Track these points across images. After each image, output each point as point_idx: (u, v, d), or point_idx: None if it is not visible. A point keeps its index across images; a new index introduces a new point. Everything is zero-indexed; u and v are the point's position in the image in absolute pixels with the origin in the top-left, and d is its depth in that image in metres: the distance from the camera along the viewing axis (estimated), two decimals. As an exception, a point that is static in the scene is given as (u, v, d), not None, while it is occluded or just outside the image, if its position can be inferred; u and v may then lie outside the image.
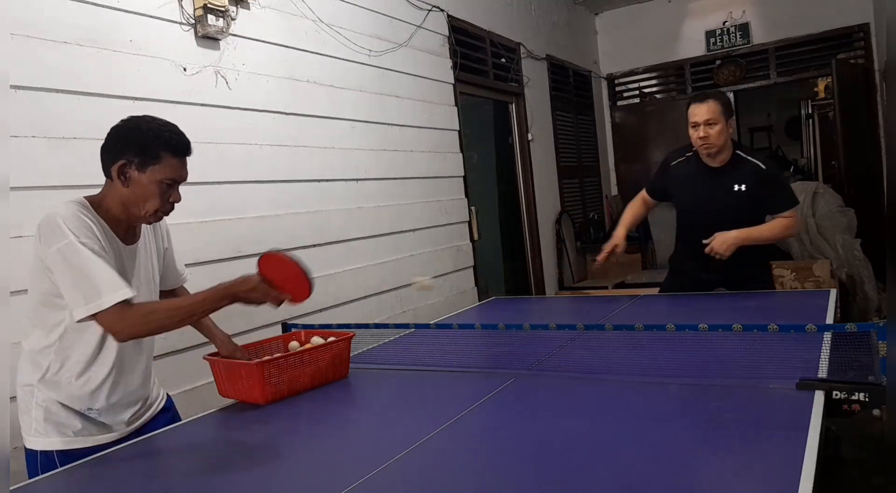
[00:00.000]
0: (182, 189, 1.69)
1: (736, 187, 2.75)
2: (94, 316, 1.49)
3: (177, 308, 1.60)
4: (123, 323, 1.50)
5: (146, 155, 1.58)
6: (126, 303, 1.50)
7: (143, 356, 1.76)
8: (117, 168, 1.58)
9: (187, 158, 1.67)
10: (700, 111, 2.74)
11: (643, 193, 3.14)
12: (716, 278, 2.94)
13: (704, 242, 2.69)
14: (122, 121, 1.64)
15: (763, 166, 2.75)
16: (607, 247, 2.92)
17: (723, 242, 2.65)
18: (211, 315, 1.98)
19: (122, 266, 1.63)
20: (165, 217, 1.72)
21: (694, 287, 2.95)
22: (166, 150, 1.60)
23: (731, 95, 6.64)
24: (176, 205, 1.69)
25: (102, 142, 1.63)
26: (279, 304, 1.65)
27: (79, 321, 1.51)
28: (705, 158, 2.81)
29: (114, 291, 1.48)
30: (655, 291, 3.27)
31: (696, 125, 2.75)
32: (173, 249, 1.91)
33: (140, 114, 1.68)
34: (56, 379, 1.60)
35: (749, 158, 2.79)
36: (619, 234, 2.96)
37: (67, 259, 1.48)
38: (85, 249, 1.49)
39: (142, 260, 1.72)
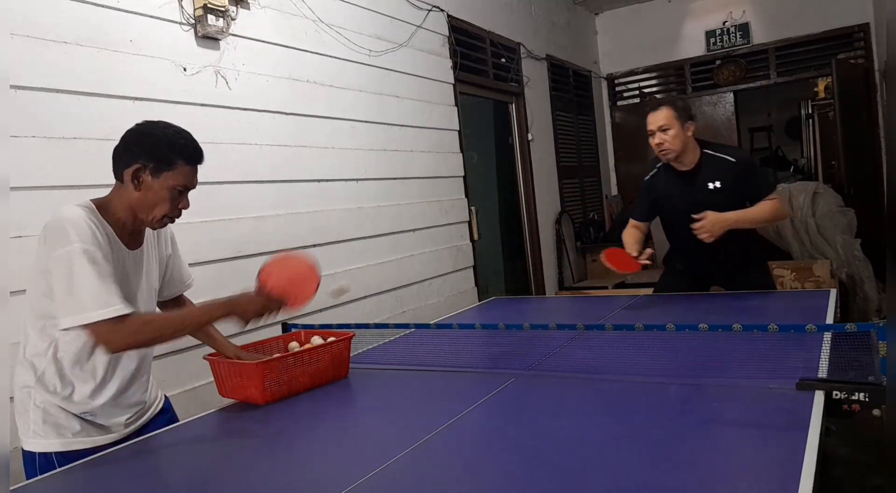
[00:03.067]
0: (183, 189, 1.69)
1: (710, 186, 2.76)
2: (84, 327, 1.47)
3: (170, 321, 1.60)
4: (114, 335, 1.49)
5: (161, 161, 1.58)
6: (119, 318, 1.48)
7: (140, 359, 1.75)
8: (131, 172, 1.58)
9: (199, 165, 1.67)
10: (654, 119, 2.79)
11: (631, 222, 3.08)
12: (712, 277, 2.94)
13: (695, 216, 2.62)
14: (138, 125, 1.64)
15: (732, 159, 2.75)
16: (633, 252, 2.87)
17: (714, 222, 2.59)
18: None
19: (126, 271, 1.63)
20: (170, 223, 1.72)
21: (688, 287, 2.95)
22: (181, 157, 1.60)
23: (731, 95, 6.66)
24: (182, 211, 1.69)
25: (116, 144, 1.62)
26: (278, 311, 1.64)
27: (62, 330, 1.50)
28: (673, 163, 2.83)
29: (107, 305, 1.47)
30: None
31: (652, 133, 2.79)
32: (179, 255, 1.90)
33: (144, 115, 1.68)
34: (52, 382, 1.60)
35: (717, 154, 2.78)
36: (632, 249, 2.89)
37: (66, 266, 1.47)
38: (87, 258, 1.48)
39: (145, 265, 1.72)
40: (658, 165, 2.93)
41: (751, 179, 2.73)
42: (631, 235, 3.01)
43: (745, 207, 2.70)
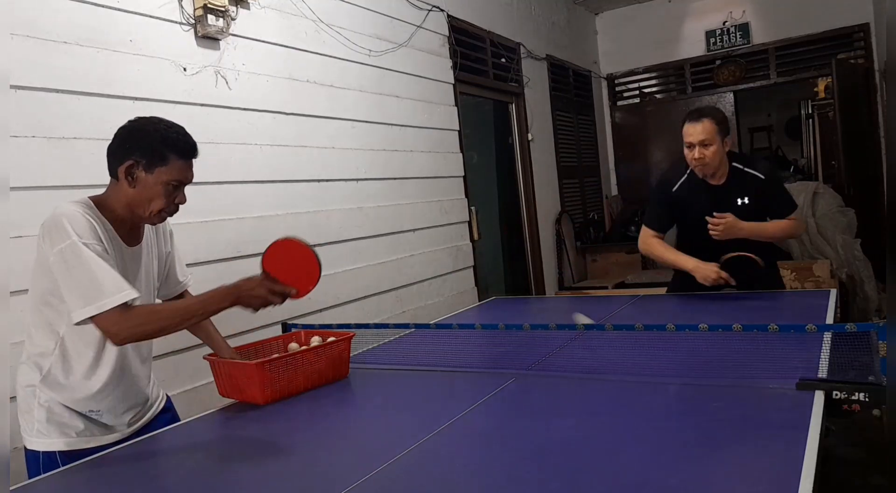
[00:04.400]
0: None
1: (739, 202, 2.72)
2: (92, 318, 1.47)
3: (176, 310, 1.60)
4: (122, 325, 1.49)
5: (153, 156, 1.58)
6: (126, 305, 1.49)
7: (144, 357, 1.76)
8: (125, 169, 1.58)
9: (193, 159, 1.66)
10: (695, 131, 2.66)
11: (650, 233, 2.93)
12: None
13: (716, 214, 2.61)
14: (130, 122, 1.64)
15: (761, 176, 2.73)
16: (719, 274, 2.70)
17: (731, 226, 2.60)
18: (211, 318, 1.98)
19: (125, 268, 1.63)
20: (168, 218, 1.72)
21: (702, 287, 2.89)
22: (173, 151, 1.60)
23: (731, 95, 6.66)
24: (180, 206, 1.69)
25: (109, 142, 1.62)
26: (283, 300, 1.64)
27: (76, 324, 1.49)
28: (703, 176, 2.76)
29: (117, 292, 1.47)
30: (655, 291, 3.26)
31: (691, 146, 2.67)
32: (176, 253, 1.90)
33: (144, 114, 1.68)
34: (58, 380, 1.60)
35: (747, 169, 2.75)
36: (695, 263, 2.73)
37: (69, 260, 1.48)
38: (87, 250, 1.48)
39: (144, 262, 1.72)
40: (686, 174, 2.83)
41: (775, 195, 2.74)
42: (661, 244, 2.90)
43: (765, 220, 2.71)
